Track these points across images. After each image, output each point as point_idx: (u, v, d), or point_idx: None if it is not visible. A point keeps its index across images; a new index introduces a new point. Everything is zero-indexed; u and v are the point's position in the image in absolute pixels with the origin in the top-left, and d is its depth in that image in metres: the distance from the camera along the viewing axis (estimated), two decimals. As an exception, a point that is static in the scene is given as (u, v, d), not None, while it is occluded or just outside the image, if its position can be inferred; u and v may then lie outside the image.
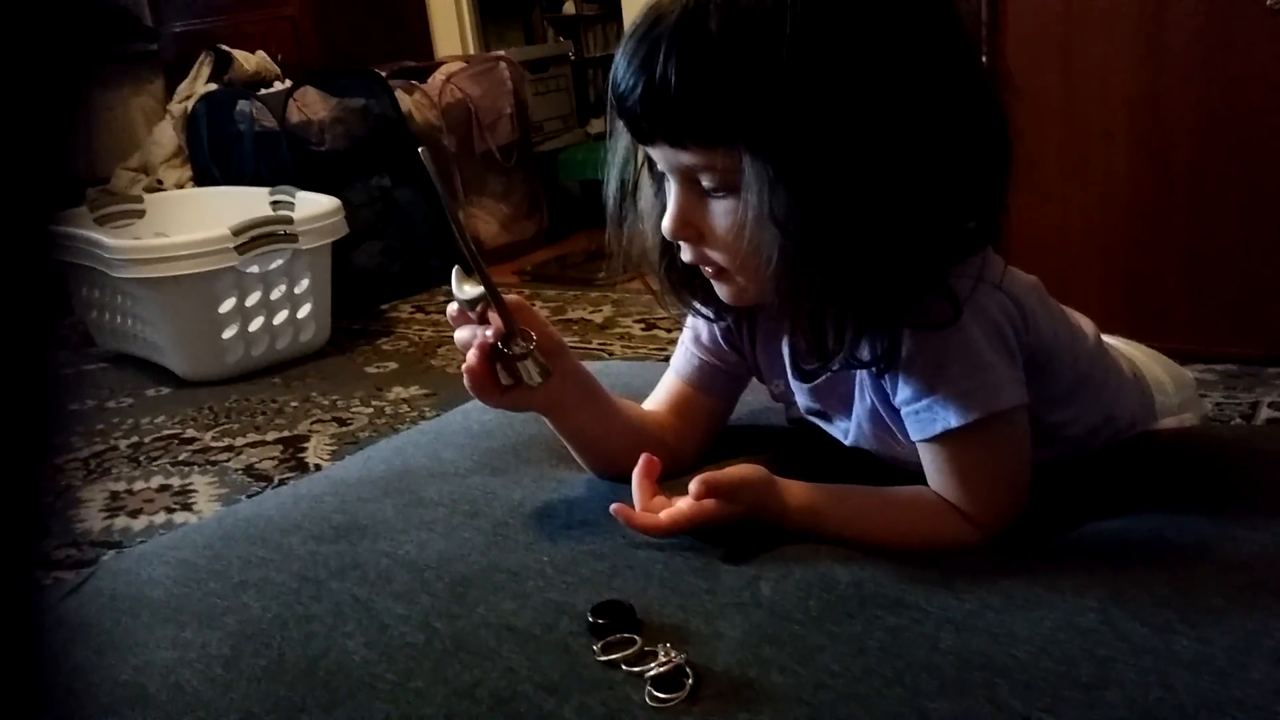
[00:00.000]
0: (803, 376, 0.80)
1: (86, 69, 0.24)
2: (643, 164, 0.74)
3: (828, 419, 0.81)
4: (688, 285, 0.77)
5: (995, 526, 0.72)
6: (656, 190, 0.74)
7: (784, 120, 0.61)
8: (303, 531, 0.79)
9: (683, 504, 0.71)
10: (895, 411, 0.73)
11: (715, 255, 0.69)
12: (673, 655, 0.59)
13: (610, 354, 2.05)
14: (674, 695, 0.57)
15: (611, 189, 0.76)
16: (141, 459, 1.72)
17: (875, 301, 0.66)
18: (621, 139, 0.73)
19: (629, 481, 0.75)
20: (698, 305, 0.79)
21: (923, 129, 0.63)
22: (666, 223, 0.69)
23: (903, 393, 0.71)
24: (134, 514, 1.51)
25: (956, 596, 0.65)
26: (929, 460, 0.73)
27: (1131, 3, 1.61)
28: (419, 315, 2.52)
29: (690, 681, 0.58)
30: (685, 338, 0.86)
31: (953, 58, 0.65)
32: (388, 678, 0.61)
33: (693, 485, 0.69)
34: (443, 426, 1.00)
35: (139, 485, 1.61)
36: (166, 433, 1.84)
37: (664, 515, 0.71)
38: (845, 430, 0.79)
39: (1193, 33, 1.57)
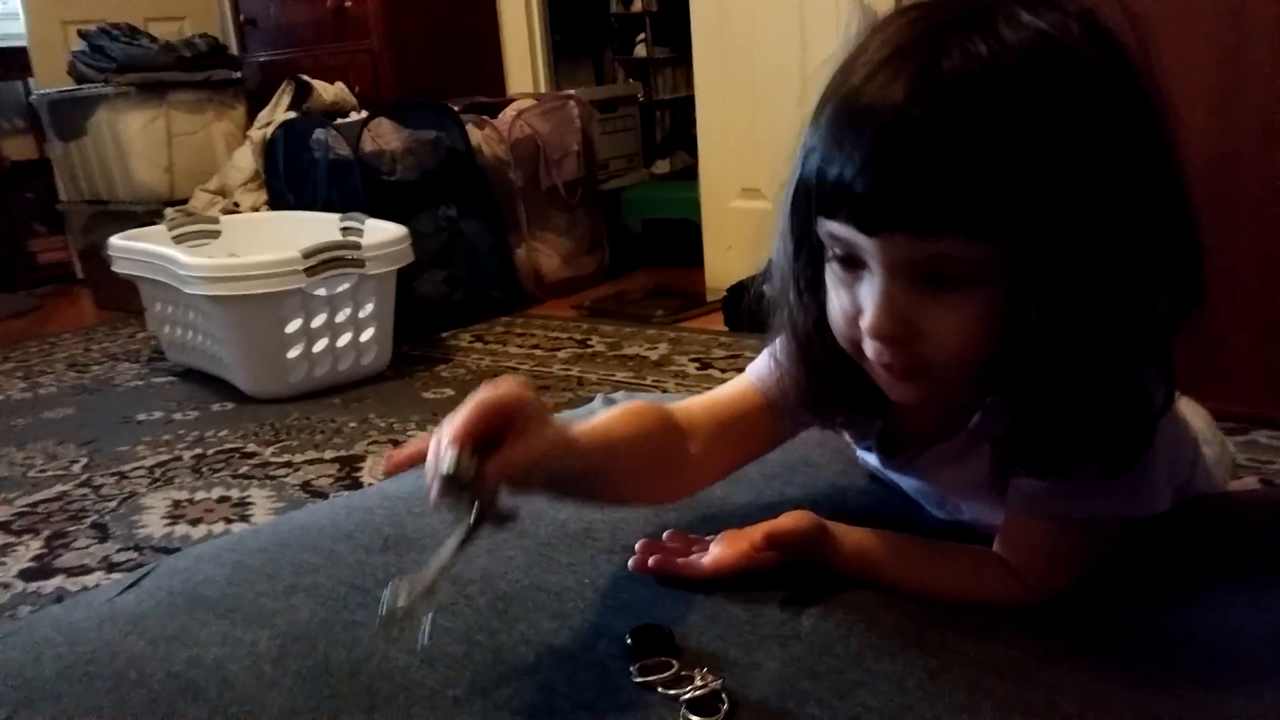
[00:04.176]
0: (890, 452, 0.77)
1: None
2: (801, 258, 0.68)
3: (907, 477, 0.79)
4: (834, 388, 0.71)
5: (1051, 597, 0.69)
6: (807, 285, 0.68)
7: (1054, 206, 0.57)
8: (353, 541, 0.81)
9: (725, 551, 0.72)
10: (1002, 482, 0.69)
11: (927, 352, 0.62)
12: (709, 680, 0.59)
13: (663, 391, 2.06)
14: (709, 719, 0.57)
15: (778, 287, 0.70)
16: (204, 470, 1.77)
17: (1121, 395, 0.62)
18: (789, 236, 0.67)
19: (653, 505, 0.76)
20: (834, 415, 0.75)
21: (1150, 212, 0.60)
22: (877, 319, 0.61)
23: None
24: (194, 522, 1.54)
25: (1003, 645, 0.64)
26: (1018, 530, 0.69)
27: (1207, 68, 1.59)
28: (478, 345, 2.55)
29: (725, 707, 0.58)
30: (764, 368, 0.78)
31: (1160, 137, 0.62)
32: (428, 685, 0.62)
33: (757, 538, 0.69)
34: (495, 448, 1.02)
35: (200, 495, 1.65)
36: (229, 446, 1.89)
37: (708, 563, 0.71)
38: (918, 489, 0.78)
39: (1269, 95, 1.55)
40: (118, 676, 0.64)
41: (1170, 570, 0.73)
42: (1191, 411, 0.86)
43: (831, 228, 0.62)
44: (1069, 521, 0.67)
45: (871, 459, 0.82)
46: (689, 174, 3.41)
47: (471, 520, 0.59)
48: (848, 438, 0.84)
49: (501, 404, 0.62)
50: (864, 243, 0.60)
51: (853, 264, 0.62)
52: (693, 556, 0.73)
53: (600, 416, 0.72)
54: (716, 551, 0.72)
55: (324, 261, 2.12)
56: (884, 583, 0.70)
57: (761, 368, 0.78)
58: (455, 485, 0.57)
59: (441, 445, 0.59)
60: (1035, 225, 0.57)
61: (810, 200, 0.62)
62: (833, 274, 0.65)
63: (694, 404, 0.79)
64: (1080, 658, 0.62)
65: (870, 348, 0.63)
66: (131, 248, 2.36)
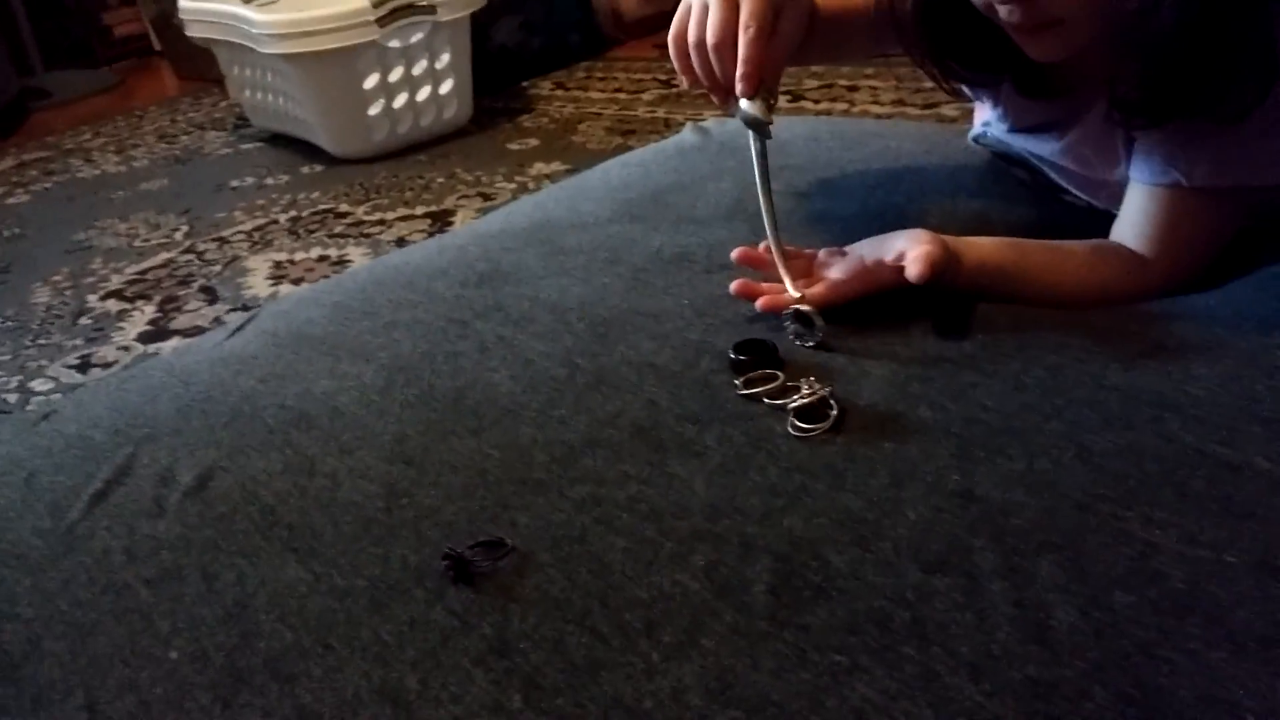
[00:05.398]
0: (1030, 91, 0.74)
1: None
2: None
3: (1041, 132, 0.75)
4: (951, 50, 0.72)
5: (1171, 283, 0.67)
6: None
7: None
8: (449, 277, 0.80)
9: (843, 274, 0.67)
10: (1128, 137, 0.67)
11: (1053, 6, 0.61)
12: (817, 388, 0.58)
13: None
14: (817, 426, 0.56)
15: None
16: (300, 231, 1.79)
17: (1238, 39, 0.59)
18: None
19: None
20: (959, 73, 0.74)
21: None
22: None
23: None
24: (297, 281, 1.58)
25: (1126, 340, 0.61)
26: (1138, 204, 0.67)
27: None
28: (559, 92, 2.47)
29: (834, 413, 0.56)
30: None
31: None
32: (532, 406, 0.62)
33: (915, 267, 0.62)
34: (582, 181, 0.98)
35: (299, 255, 1.68)
36: (322, 208, 1.90)
37: (821, 288, 0.67)
38: (1053, 149, 0.74)
39: None
40: (233, 411, 0.66)
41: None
42: None
43: None
44: (1186, 191, 0.65)
45: (1001, 128, 0.79)
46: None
47: (760, 142, 0.69)
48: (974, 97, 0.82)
49: (767, 26, 0.66)
50: None
51: None
52: (794, 293, 0.68)
53: None
54: (831, 278, 0.68)
55: (395, 10, 2.04)
56: (1006, 292, 0.67)
57: None
58: (750, 119, 0.68)
59: (723, 81, 0.67)
60: None
61: None
62: None
63: None
64: (1210, 349, 0.58)
65: (1002, 9, 0.62)
66: (202, 9, 2.31)
